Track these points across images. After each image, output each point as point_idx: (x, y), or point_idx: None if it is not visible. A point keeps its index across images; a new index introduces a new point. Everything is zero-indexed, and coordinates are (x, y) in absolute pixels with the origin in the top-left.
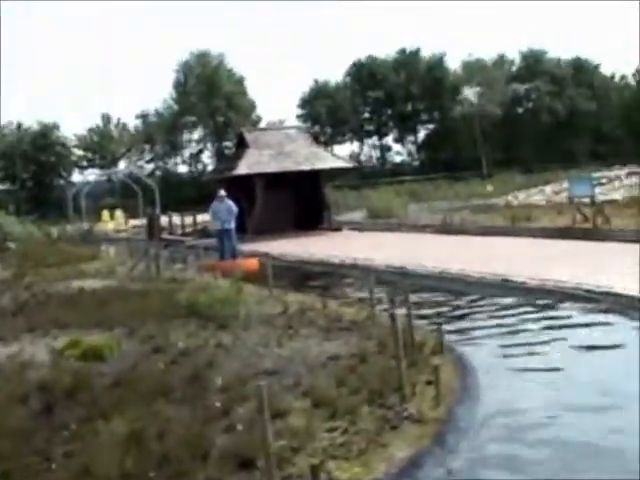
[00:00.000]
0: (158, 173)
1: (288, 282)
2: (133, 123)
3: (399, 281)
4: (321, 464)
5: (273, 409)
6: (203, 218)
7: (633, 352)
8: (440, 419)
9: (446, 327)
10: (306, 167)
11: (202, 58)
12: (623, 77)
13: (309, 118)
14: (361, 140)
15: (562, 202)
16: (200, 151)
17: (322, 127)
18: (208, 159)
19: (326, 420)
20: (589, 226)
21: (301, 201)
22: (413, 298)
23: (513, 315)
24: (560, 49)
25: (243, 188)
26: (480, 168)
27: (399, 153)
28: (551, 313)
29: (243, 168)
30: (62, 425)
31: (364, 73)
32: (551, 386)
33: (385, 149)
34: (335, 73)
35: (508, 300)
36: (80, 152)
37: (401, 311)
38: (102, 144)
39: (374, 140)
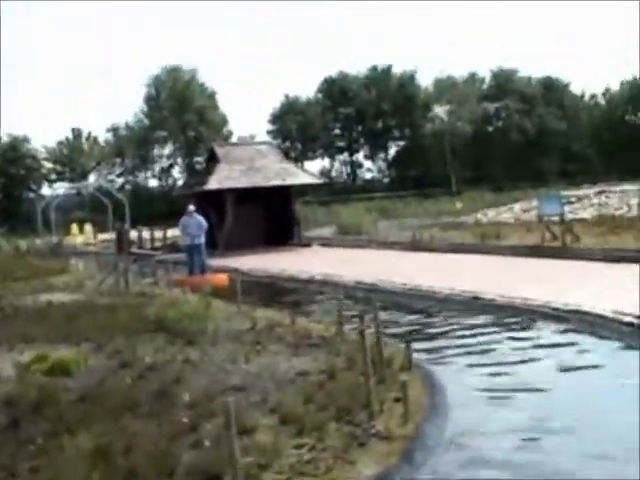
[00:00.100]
0: (128, 187)
1: (257, 298)
2: (104, 137)
3: (368, 297)
4: None
5: (240, 425)
6: (173, 233)
7: (606, 373)
8: (408, 436)
9: (415, 345)
10: (277, 183)
11: (174, 72)
12: (593, 96)
13: (280, 134)
14: (332, 156)
15: (531, 220)
16: (171, 165)
17: (293, 143)
18: (179, 174)
19: (293, 437)
20: (558, 244)
21: (271, 217)
22: (382, 315)
23: (482, 334)
24: (531, 68)
25: (213, 203)
26: (450, 186)
27: (370, 170)
28: (521, 333)
29: (214, 183)
30: (28, 440)
31: (335, 89)
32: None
33: (356, 165)
34: (306, 89)
35: (478, 317)
36: (50, 165)
37: (370, 329)
38: (72, 157)
39: (345, 156)
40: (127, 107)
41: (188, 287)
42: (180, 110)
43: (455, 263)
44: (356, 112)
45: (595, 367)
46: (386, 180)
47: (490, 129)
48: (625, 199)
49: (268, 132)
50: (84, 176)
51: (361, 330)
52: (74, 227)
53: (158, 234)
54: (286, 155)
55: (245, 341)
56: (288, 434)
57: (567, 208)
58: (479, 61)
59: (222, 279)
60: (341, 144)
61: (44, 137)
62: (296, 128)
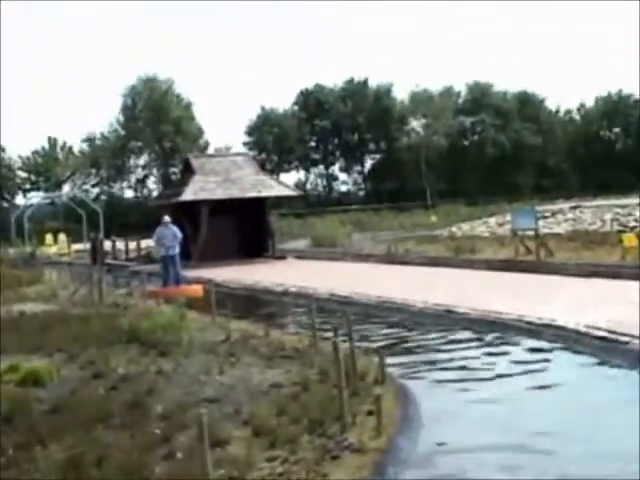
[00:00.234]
0: (103, 197)
1: (231, 309)
2: (79, 146)
3: (342, 310)
4: None
5: (213, 437)
6: (147, 243)
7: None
8: (381, 449)
9: (388, 360)
10: (252, 194)
11: (150, 83)
12: (568, 112)
13: (256, 146)
14: (307, 169)
15: (506, 234)
16: (146, 176)
17: (268, 155)
18: (154, 184)
19: (266, 449)
20: (532, 259)
21: (246, 228)
22: (355, 327)
23: (455, 350)
24: (506, 82)
25: (188, 214)
26: (425, 199)
27: (345, 182)
28: (493, 348)
29: (189, 194)
30: None
31: (311, 102)
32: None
33: (331, 178)
34: (282, 101)
35: (451, 331)
36: (24, 174)
37: (344, 341)
38: (47, 167)
39: (320, 169)
40: (103, 117)
41: (162, 298)
42: (156, 121)
43: (429, 276)
44: (332, 125)
45: (562, 385)
46: (361, 193)
47: (466, 143)
48: (599, 214)
49: (244, 144)
50: (59, 186)
51: (334, 342)
52: (48, 237)
53: (132, 245)
54: (262, 167)
55: (219, 352)
56: (261, 446)
57: (541, 223)
58: (455, 75)
59: (196, 290)
60: (317, 156)
61: (19, 146)
62: (272, 140)
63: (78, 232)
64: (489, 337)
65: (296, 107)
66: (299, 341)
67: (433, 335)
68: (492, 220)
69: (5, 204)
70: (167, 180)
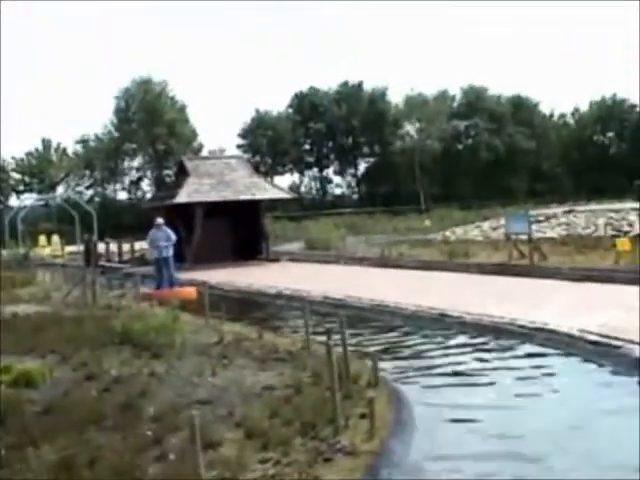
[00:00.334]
0: (97, 199)
1: (225, 312)
2: (73, 148)
3: (336, 313)
4: None
5: (206, 439)
6: (141, 245)
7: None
8: (373, 452)
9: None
10: (246, 197)
11: (144, 85)
12: (562, 116)
13: (250, 148)
14: (301, 172)
15: (499, 239)
16: (140, 178)
17: (262, 157)
18: (148, 186)
19: (259, 451)
20: (526, 263)
21: (240, 231)
22: (349, 330)
23: (449, 355)
24: (501, 86)
25: (182, 216)
26: (419, 203)
27: (339, 185)
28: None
29: (183, 196)
30: None
31: (306, 105)
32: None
33: (325, 181)
34: (277, 104)
35: (445, 334)
36: (18, 176)
37: (337, 341)
38: (41, 168)
39: (314, 172)
40: (97, 119)
41: (156, 300)
42: (150, 123)
43: (423, 280)
44: (326, 128)
45: (556, 392)
46: (355, 196)
47: (460, 147)
48: (592, 219)
49: (238, 146)
50: (52, 187)
51: (327, 345)
52: (42, 238)
53: (126, 247)
54: (256, 170)
55: (212, 355)
56: (253, 448)
57: (535, 227)
58: (449, 79)
59: (190, 292)
60: (311, 159)
61: (12, 148)
62: (266, 143)
63: (71, 234)
64: (481, 341)
65: (290, 110)
66: (292, 344)
67: (427, 340)
68: (486, 224)
69: None
70: (161, 182)
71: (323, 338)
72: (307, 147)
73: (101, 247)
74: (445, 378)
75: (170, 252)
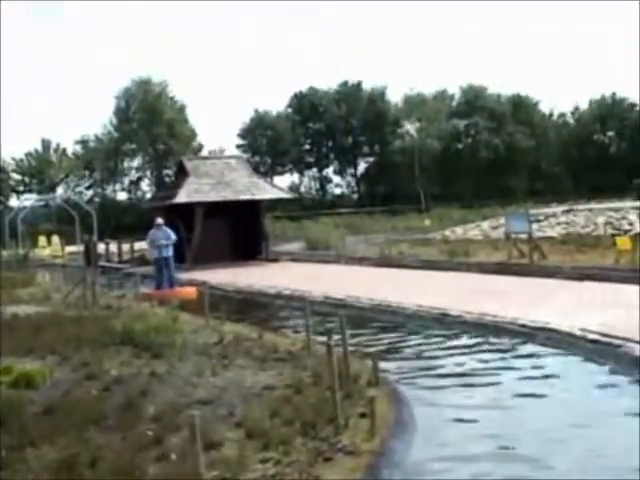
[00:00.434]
0: (97, 199)
1: (225, 312)
2: (72, 148)
3: (336, 313)
4: None
5: (206, 439)
6: (141, 246)
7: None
8: (374, 451)
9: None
10: (246, 197)
11: (144, 85)
12: (562, 115)
13: (249, 148)
14: (301, 171)
15: (499, 238)
16: (140, 178)
17: (262, 157)
18: (148, 187)
19: (259, 451)
20: (526, 262)
21: (240, 231)
22: (349, 331)
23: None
24: (500, 85)
25: (182, 216)
26: (418, 202)
27: (339, 185)
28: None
29: (183, 196)
30: None
31: (305, 104)
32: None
33: (325, 181)
34: (276, 104)
35: (445, 333)
36: (18, 177)
37: (337, 344)
38: (40, 169)
39: (314, 172)
40: (96, 119)
41: (156, 300)
42: (150, 123)
43: (423, 279)
44: (326, 128)
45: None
46: (355, 196)
47: (459, 146)
48: (592, 218)
49: (238, 146)
50: (52, 188)
51: (328, 344)
52: (42, 239)
53: (126, 247)
54: (255, 170)
55: (212, 355)
56: (254, 448)
57: (535, 226)
58: (449, 78)
59: (190, 292)
60: (310, 159)
61: (12, 148)
62: (266, 143)
63: (71, 234)
64: (483, 340)
65: (290, 110)
66: (292, 343)
67: (427, 340)
68: (485, 223)
69: None
70: (160, 182)
71: (323, 338)
72: (307, 147)
73: (101, 247)
74: (446, 379)
75: (170, 252)
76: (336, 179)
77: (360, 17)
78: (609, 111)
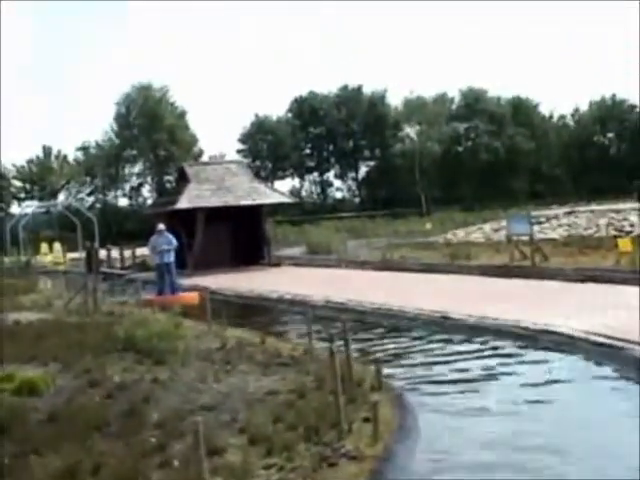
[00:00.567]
0: (98, 206)
1: (227, 317)
2: (74, 155)
3: (338, 317)
4: None
5: (210, 445)
6: (143, 252)
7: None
8: (378, 456)
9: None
10: (247, 202)
11: (144, 91)
12: (562, 117)
13: (250, 153)
14: (302, 176)
15: (501, 240)
16: (141, 184)
17: (263, 162)
18: (149, 192)
19: (263, 457)
20: (528, 264)
21: (241, 236)
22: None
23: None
24: (500, 88)
25: (183, 222)
26: (419, 206)
27: (340, 189)
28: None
29: (184, 202)
30: None
31: (305, 109)
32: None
33: (326, 185)
34: (276, 108)
35: (445, 337)
36: (19, 184)
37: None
38: (42, 176)
39: (315, 176)
40: (97, 125)
41: (158, 306)
42: (150, 129)
43: (425, 283)
44: (326, 132)
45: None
46: (356, 200)
47: (460, 149)
48: (594, 219)
49: (238, 151)
50: (53, 195)
51: (330, 349)
52: (43, 246)
53: (127, 253)
54: (256, 174)
55: (215, 360)
56: (257, 454)
57: (536, 228)
58: (448, 81)
59: (192, 298)
60: (311, 163)
61: (13, 155)
62: (266, 147)
63: (73, 241)
64: (483, 343)
65: (290, 114)
66: (295, 348)
67: (429, 345)
68: (487, 226)
69: (0, 213)
70: (162, 188)
71: (326, 342)
72: (307, 151)
73: (103, 253)
74: (448, 383)
75: (172, 258)
76: (337, 183)
77: (360, 21)
78: (609, 113)
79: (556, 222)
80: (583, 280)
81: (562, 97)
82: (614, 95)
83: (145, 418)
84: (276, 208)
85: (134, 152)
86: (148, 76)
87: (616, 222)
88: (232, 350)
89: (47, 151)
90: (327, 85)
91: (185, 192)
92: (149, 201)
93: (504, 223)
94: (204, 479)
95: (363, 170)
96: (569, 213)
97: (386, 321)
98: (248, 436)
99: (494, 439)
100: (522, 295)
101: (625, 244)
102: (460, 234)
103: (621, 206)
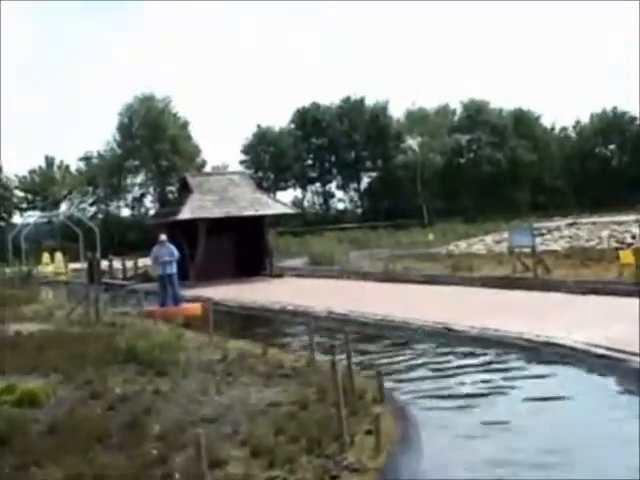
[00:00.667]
0: (100, 216)
1: (229, 328)
2: (76, 165)
3: (340, 328)
4: None
5: (211, 457)
6: (145, 262)
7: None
8: (379, 469)
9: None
10: (249, 213)
11: (147, 101)
12: (563, 129)
13: (252, 164)
14: (304, 187)
15: (503, 252)
16: (143, 195)
17: (265, 173)
18: (151, 203)
19: (265, 469)
20: (530, 276)
21: (244, 247)
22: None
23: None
24: (502, 99)
25: (186, 233)
26: (421, 217)
27: (342, 200)
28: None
29: (186, 213)
30: None
31: (308, 120)
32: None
33: (328, 196)
34: (279, 119)
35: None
36: (21, 194)
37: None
38: (44, 186)
39: (317, 187)
40: (100, 136)
41: (160, 317)
42: (153, 139)
43: (427, 294)
44: (329, 143)
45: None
46: (358, 211)
47: (462, 161)
48: (596, 231)
49: (241, 162)
50: (56, 205)
51: (332, 361)
52: (45, 256)
53: (129, 263)
54: (259, 185)
55: (216, 372)
56: (260, 466)
57: (538, 240)
58: (450, 93)
59: (194, 309)
60: (313, 174)
61: (16, 165)
62: (269, 158)
63: (75, 251)
64: (485, 355)
65: (293, 125)
66: (297, 360)
67: (433, 358)
68: (489, 238)
69: (2, 223)
70: (164, 199)
71: (328, 354)
72: (309, 162)
73: (104, 264)
74: (450, 396)
75: (174, 269)
76: (339, 194)
77: (363, 33)
78: (610, 125)
79: (558, 234)
80: (585, 292)
81: (564, 109)
82: (615, 107)
83: (146, 430)
84: (278, 219)
85: (136, 162)
86: (151, 87)
87: (618, 234)
88: (234, 361)
89: (49, 161)
90: (329, 96)
91: (187, 203)
92: (151, 212)
93: (506, 235)
94: None
95: (365, 181)
96: (571, 225)
97: (389, 332)
98: (250, 448)
99: (494, 454)
100: (524, 307)
101: (627, 256)
102: (462, 245)
103: (623, 218)
